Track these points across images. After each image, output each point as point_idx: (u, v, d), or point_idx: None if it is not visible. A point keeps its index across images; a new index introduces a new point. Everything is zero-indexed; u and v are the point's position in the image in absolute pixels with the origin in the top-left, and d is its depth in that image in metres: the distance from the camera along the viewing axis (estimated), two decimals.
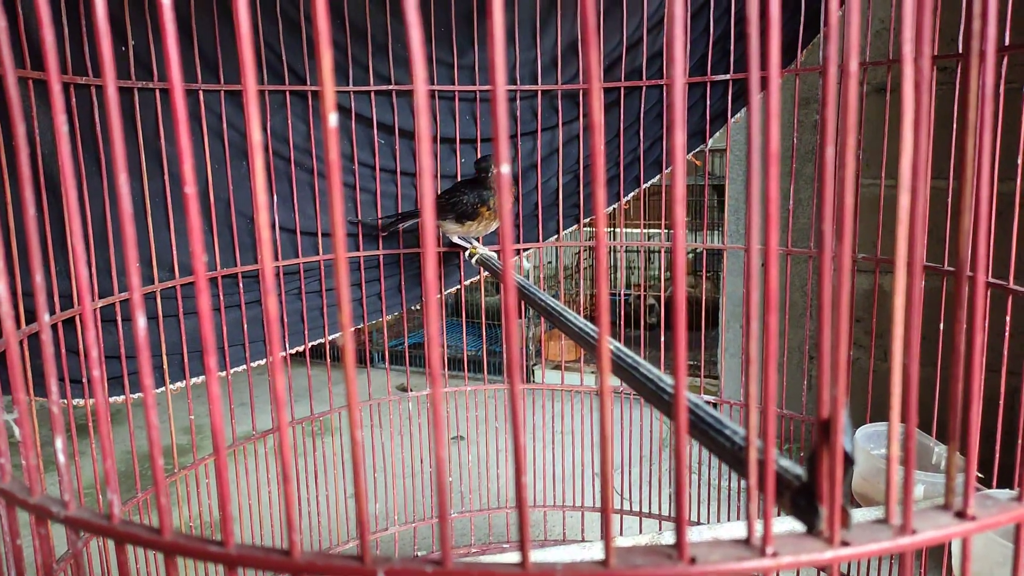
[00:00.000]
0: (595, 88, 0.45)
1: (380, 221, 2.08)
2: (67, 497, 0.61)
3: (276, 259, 1.99)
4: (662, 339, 2.35)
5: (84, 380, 1.63)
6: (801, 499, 0.56)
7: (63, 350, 1.54)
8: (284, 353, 2.04)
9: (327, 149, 0.45)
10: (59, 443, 0.61)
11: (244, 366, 1.96)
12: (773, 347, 0.51)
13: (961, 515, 0.54)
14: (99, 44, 0.47)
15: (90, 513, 0.60)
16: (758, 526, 0.50)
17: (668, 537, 1.24)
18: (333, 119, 0.45)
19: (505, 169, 0.44)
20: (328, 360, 2.09)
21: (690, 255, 5.34)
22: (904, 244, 0.51)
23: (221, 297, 1.88)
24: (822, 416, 0.53)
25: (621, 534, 2.47)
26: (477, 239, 2.06)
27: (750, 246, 0.50)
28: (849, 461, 0.53)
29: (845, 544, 0.50)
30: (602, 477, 0.48)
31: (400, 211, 2.14)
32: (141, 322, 0.54)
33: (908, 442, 0.56)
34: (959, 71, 1.59)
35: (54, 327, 1.52)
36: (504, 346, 4.03)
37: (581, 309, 2.22)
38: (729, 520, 2.28)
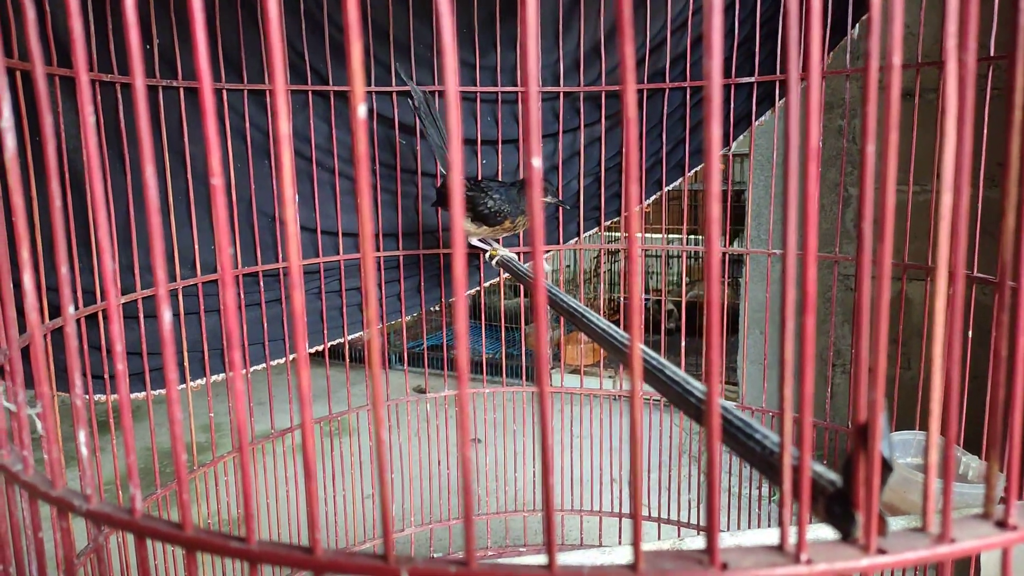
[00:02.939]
0: (629, 77, 0.44)
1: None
2: (89, 491, 0.60)
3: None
4: (682, 344, 2.32)
5: (106, 376, 1.64)
6: (836, 506, 0.55)
7: (85, 346, 1.55)
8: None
9: (356, 141, 0.44)
10: (82, 436, 0.60)
11: (263, 365, 1.96)
12: (810, 348, 0.49)
13: (1002, 524, 0.53)
14: (126, 29, 0.47)
15: (111, 507, 0.59)
16: (791, 532, 0.49)
17: (689, 543, 1.22)
18: (362, 110, 0.44)
19: (536, 163, 0.43)
20: (347, 360, 2.09)
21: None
22: (946, 245, 0.50)
23: (242, 296, 1.88)
24: (859, 420, 0.51)
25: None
26: (497, 240, 2.05)
27: (787, 245, 0.49)
28: (887, 467, 0.51)
29: (882, 552, 0.49)
30: (632, 481, 0.46)
31: (421, 216, 2.13)
32: (167, 315, 0.53)
33: (948, 449, 0.55)
34: (990, 76, 1.56)
35: (77, 323, 1.52)
36: (526, 348, 4.02)
37: (602, 312, 2.20)
38: (750, 527, 2.25)
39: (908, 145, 1.69)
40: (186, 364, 1.78)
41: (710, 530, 0.47)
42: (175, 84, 1.70)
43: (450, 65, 0.42)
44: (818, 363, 3.07)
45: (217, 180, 0.48)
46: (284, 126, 0.46)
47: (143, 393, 1.68)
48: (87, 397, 1.49)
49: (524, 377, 2.62)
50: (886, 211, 0.49)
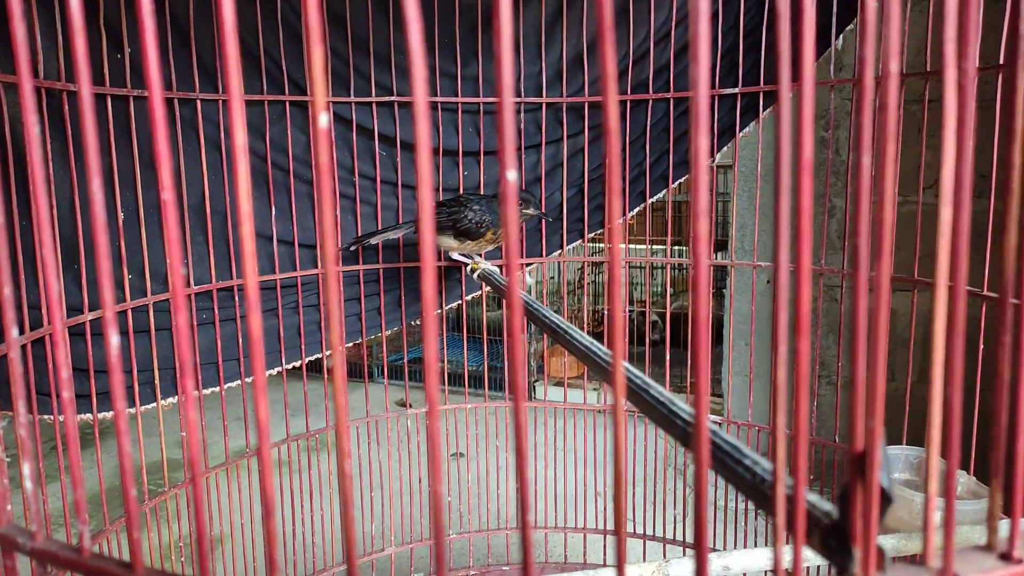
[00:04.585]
0: (611, 89, 0.41)
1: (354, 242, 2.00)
2: (34, 527, 0.57)
3: (273, 272, 1.94)
4: (667, 356, 2.30)
5: (77, 395, 1.58)
6: (832, 539, 0.52)
7: (50, 365, 1.49)
8: (281, 368, 1.99)
9: (318, 152, 0.41)
10: (27, 469, 0.57)
11: (239, 381, 1.91)
12: (805, 374, 0.47)
13: (1006, 557, 0.50)
14: (72, 36, 0.44)
15: (58, 545, 0.56)
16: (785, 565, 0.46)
17: (675, 566, 1.19)
18: (324, 120, 0.41)
19: (511, 176, 0.40)
20: (325, 375, 2.04)
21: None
22: (945, 262, 0.47)
23: (216, 311, 1.84)
24: (856, 449, 0.48)
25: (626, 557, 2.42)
26: (479, 254, 2.01)
27: (779, 263, 0.46)
28: (887, 499, 0.48)
29: None
30: (616, 514, 0.43)
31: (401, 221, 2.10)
32: (114, 340, 0.50)
33: (949, 479, 0.52)
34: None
35: (40, 341, 1.47)
36: (506, 365, 3.98)
37: (585, 325, 2.17)
38: (736, 543, 2.22)
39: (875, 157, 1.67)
40: (157, 381, 1.73)
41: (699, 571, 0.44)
42: (146, 94, 1.65)
43: (418, 74, 0.39)
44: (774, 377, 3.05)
45: (168, 195, 0.45)
46: (240, 136, 0.42)
47: (109, 413, 1.63)
48: (49, 418, 1.44)
49: (507, 390, 2.58)
50: (884, 230, 0.46)
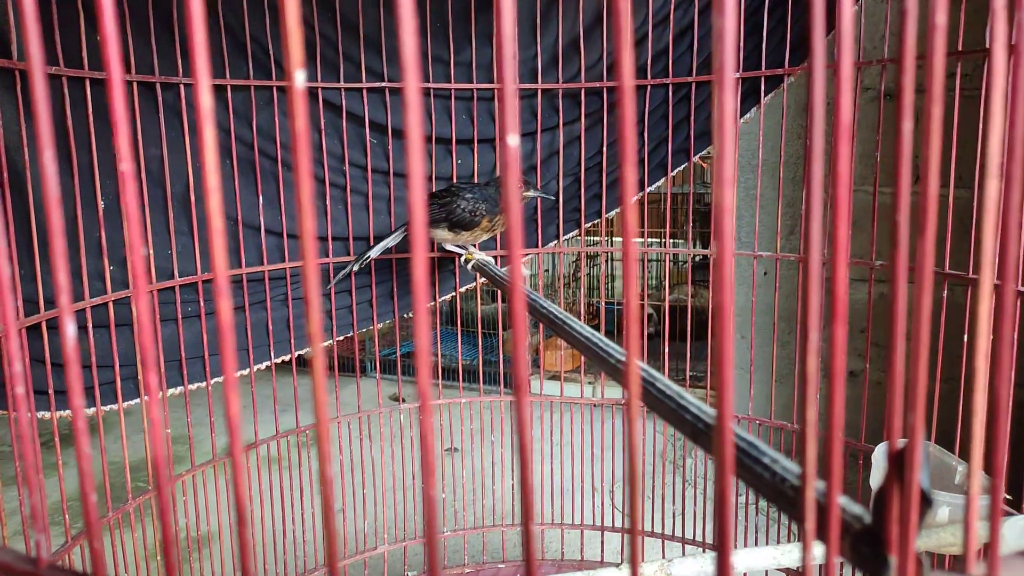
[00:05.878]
0: (624, 44, 0.36)
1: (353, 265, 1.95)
2: None
3: (261, 264, 1.89)
4: (665, 349, 2.26)
5: (50, 392, 1.53)
6: (864, 545, 0.47)
7: (26, 359, 1.44)
8: (270, 363, 1.94)
9: (294, 116, 0.36)
10: None
11: (219, 378, 1.86)
12: (841, 366, 0.42)
13: None
14: (23, 17, 0.39)
15: (13, 556, 0.51)
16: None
17: (678, 566, 1.14)
18: (300, 78, 0.36)
19: (513, 141, 0.35)
20: None
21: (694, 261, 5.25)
22: (992, 243, 0.43)
23: (201, 304, 1.78)
24: (894, 448, 0.44)
25: (622, 554, 2.37)
26: (474, 244, 1.96)
27: (810, 249, 0.41)
28: (926, 502, 0.44)
29: None
30: (631, 515, 0.38)
31: (393, 220, 2.04)
32: (70, 330, 0.45)
33: (995, 479, 0.47)
34: (958, 75, 1.51)
35: (32, 336, 1.42)
36: (504, 354, 3.94)
37: (582, 317, 2.13)
38: (736, 539, 2.19)
39: (872, 145, 1.63)
40: (140, 377, 1.68)
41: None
42: (127, 78, 1.60)
43: (410, 56, 0.34)
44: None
45: (126, 166, 0.40)
46: (206, 99, 0.37)
47: (92, 409, 1.58)
48: (40, 415, 1.38)
49: (502, 384, 2.54)
50: (928, 208, 0.41)
